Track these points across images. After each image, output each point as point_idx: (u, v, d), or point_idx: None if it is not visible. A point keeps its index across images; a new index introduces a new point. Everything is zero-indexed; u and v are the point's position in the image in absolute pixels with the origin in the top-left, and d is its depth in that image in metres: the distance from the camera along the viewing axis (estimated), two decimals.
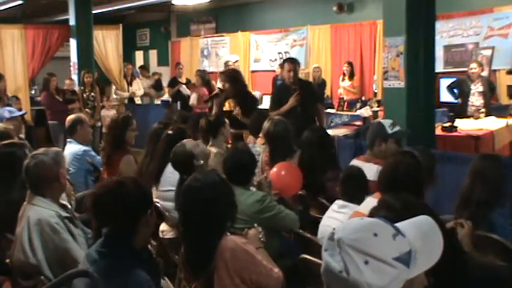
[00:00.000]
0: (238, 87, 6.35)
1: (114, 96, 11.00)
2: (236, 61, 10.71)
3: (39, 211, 2.77)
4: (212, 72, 12.05)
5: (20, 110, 8.35)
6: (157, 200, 4.10)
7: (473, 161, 3.10)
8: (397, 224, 1.24)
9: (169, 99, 10.60)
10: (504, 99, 8.37)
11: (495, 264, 1.96)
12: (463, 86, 7.63)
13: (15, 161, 3.16)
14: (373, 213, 1.59)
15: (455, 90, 7.78)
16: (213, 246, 2.34)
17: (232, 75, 6.55)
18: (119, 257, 2.08)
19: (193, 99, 9.52)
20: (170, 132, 4.23)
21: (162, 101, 11.20)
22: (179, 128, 4.37)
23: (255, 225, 2.72)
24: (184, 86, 10.35)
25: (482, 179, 2.94)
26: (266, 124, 4.47)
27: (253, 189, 3.37)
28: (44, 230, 2.71)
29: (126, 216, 2.12)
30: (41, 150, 2.98)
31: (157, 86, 11.69)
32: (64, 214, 2.81)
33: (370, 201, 2.86)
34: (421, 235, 1.23)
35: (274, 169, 3.78)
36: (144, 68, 12.76)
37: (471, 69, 7.54)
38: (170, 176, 4.01)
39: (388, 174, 2.67)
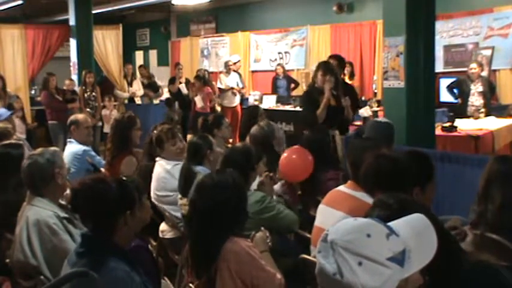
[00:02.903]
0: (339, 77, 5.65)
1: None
2: (238, 61, 10.69)
3: (37, 212, 2.77)
4: (212, 72, 12.05)
5: (21, 109, 8.41)
6: (156, 202, 4.09)
7: (489, 164, 2.99)
8: (391, 223, 1.24)
9: (169, 97, 10.57)
10: (506, 99, 8.38)
11: (493, 263, 1.95)
12: (463, 86, 7.63)
13: (9, 162, 3.16)
14: (368, 213, 1.59)
15: (455, 90, 7.79)
16: (217, 246, 2.33)
17: (333, 67, 5.50)
18: (97, 254, 2.07)
19: (198, 102, 9.51)
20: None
21: (161, 100, 11.17)
22: (170, 129, 4.33)
23: (262, 228, 2.71)
24: (183, 84, 10.35)
25: (499, 181, 2.84)
26: (254, 127, 4.46)
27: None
28: (42, 231, 2.71)
29: (103, 214, 2.12)
30: (38, 150, 2.98)
31: (153, 87, 11.64)
32: (63, 215, 2.80)
33: (321, 209, 2.95)
34: (415, 234, 1.22)
35: (285, 154, 3.84)
36: (142, 67, 12.71)
37: (471, 69, 7.55)
38: (165, 181, 4.00)
39: (371, 168, 2.65)
